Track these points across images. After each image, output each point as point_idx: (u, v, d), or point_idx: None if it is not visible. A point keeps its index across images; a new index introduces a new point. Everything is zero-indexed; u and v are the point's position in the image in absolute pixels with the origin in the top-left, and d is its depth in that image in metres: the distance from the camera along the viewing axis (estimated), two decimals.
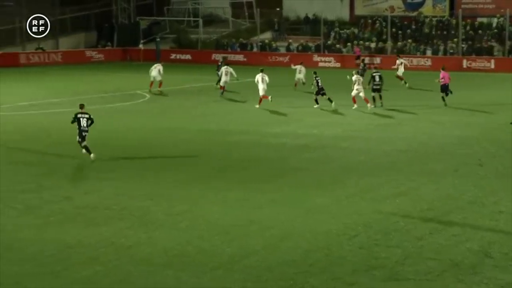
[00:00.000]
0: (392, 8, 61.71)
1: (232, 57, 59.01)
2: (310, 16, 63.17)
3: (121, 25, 65.61)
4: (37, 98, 37.68)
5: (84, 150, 22.65)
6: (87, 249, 14.49)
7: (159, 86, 40.37)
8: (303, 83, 40.88)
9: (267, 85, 34.61)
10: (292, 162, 23.03)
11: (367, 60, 50.54)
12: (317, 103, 34.50)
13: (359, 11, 63.32)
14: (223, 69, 39.25)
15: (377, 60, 53.94)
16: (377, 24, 60.44)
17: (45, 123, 29.48)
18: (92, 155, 22.45)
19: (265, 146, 25.45)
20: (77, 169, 21.90)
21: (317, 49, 59.08)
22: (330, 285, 12.79)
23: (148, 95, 39.18)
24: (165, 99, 38.36)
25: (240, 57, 59.17)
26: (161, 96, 39.43)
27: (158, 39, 62.94)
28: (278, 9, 65.43)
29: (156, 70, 40.35)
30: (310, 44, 59.85)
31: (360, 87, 33.83)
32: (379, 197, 18.53)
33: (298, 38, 61.22)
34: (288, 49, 59.88)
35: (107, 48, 63.83)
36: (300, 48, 59.47)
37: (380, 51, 57.16)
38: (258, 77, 34.86)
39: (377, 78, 35.09)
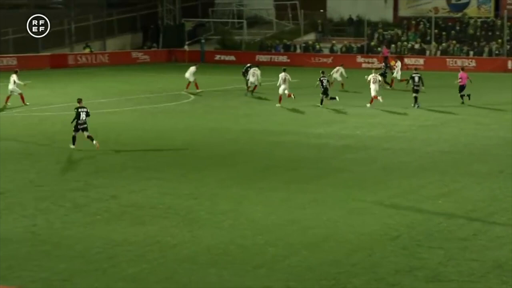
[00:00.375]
0: (436, 9, 61.16)
1: (275, 58, 59.23)
2: (354, 17, 62.89)
3: (167, 27, 66.13)
4: (84, 98, 38.01)
5: (86, 138, 24.51)
6: (133, 247, 14.76)
7: (196, 88, 40.89)
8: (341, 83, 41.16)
9: (289, 83, 35.32)
10: (334, 162, 23.11)
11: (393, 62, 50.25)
12: (321, 104, 34.70)
13: (403, 12, 62.89)
14: (251, 70, 39.47)
15: (420, 61, 53.49)
16: (421, 25, 60.00)
17: (91, 123, 29.88)
18: (72, 146, 24.54)
19: (308, 147, 25.56)
20: (123, 168, 22.22)
21: (361, 51, 58.94)
22: (373, 285, 12.85)
23: (192, 96, 39.57)
24: (209, 99, 38.62)
25: (283, 58, 59.25)
26: (205, 96, 39.74)
27: (203, 41, 63.32)
28: (321, 10, 65.25)
29: (189, 73, 41.31)
30: (354, 45, 59.70)
31: (377, 86, 34.15)
32: (422, 198, 18.52)
33: (342, 40, 61.05)
34: (331, 50, 59.75)
35: (152, 49, 64.39)
36: (343, 49, 59.33)
37: (421, 52, 56.76)
38: (281, 76, 35.34)
39: (416, 79, 35.11)
